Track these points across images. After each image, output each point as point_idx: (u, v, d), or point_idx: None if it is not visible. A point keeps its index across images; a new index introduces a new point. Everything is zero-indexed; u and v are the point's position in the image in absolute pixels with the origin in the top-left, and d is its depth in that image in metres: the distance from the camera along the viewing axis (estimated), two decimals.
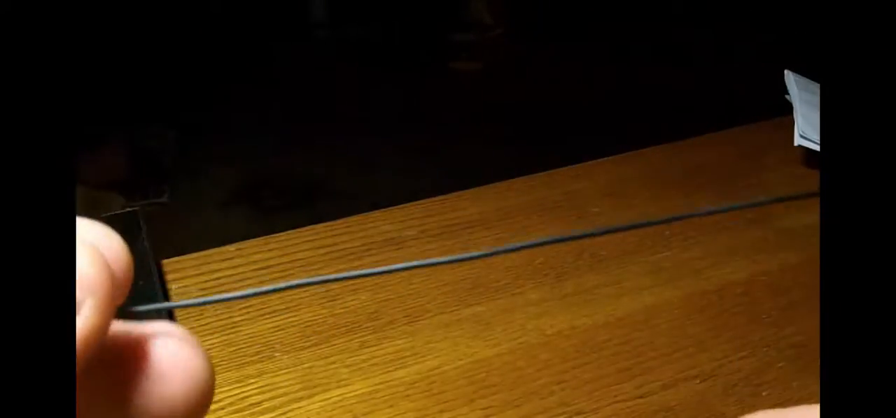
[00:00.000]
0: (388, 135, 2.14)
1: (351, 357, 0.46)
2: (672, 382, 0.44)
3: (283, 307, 0.49)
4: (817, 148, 0.63)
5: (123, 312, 0.19)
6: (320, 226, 0.56)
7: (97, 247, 0.15)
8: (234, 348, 0.46)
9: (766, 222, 0.58)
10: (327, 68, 2.57)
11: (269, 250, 0.54)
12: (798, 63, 0.73)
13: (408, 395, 0.44)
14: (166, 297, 0.49)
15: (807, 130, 0.63)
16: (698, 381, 0.44)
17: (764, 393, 0.44)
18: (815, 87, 0.71)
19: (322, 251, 0.54)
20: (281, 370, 0.45)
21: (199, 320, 0.48)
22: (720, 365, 0.45)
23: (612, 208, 0.59)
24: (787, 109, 0.68)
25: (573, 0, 2.69)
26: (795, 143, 0.63)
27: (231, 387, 0.44)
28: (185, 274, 0.51)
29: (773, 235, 0.56)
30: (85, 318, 0.14)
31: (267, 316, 0.49)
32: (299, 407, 0.43)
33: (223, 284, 0.51)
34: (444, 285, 0.51)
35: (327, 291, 0.51)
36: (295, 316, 0.49)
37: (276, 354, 0.46)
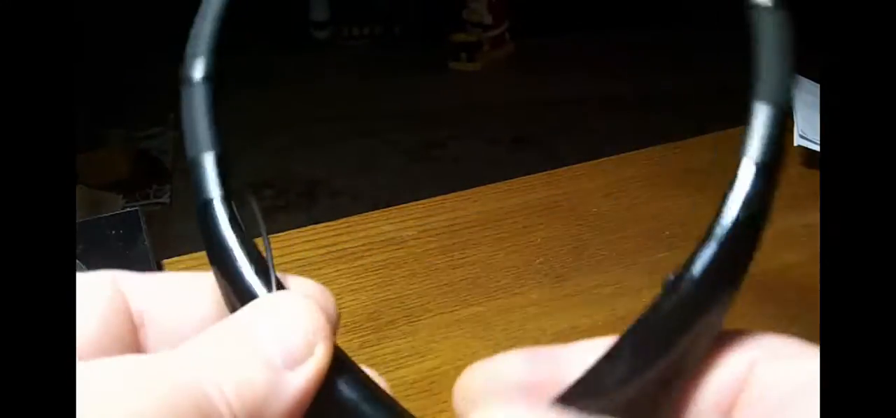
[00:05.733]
0: (388, 135, 2.14)
1: (351, 357, 0.46)
2: None
3: None
4: (817, 148, 0.63)
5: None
6: (320, 226, 0.56)
7: (318, 301, 0.19)
8: None
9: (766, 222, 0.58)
10: (327, 68, 2.57)
11: None
12: (798, 63, 0.73)
13: (408, 395, 0.44)
14: None
15: (807, 130, 0.63)
16: None
17: None
18: (815, 87, 0.71)
19: (322, 251, 0.54)
20: None
21: None
22: None
23: (612, 208, 0.59)
24: None
25: (574, 1, 2.69)
26: (795, 143, 0.63)
27: None
28: None
29: (773, 235, 0.56)
30: (318, 358, 0.18)
31: None
32: None
33: None
34: (444, 285, 0.51)
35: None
36: None
37: None
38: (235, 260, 0.19)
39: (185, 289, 0.21)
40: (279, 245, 0.54)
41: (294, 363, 0.18)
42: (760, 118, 0.16)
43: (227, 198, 0.19)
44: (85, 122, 1.97)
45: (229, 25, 0.21)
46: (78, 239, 0.50)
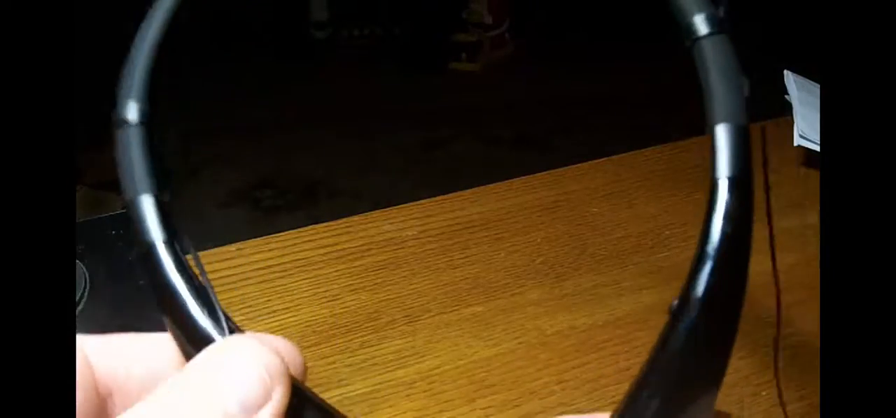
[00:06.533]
0: (388, 136, 2.14)
1: (351, 357, 0.46)
2: None
3: (283, 307, 0.49)
4: (817, 148, 0.63)
5: None
6: (320, 226, 0.56)
7: (279, 350, 0.19)
8: None
9: (766, 222, 0.58)
10: (327, 68, 2.57)
11: (270, 250, 0.54)
12: (798, 63, 0.73)
13: (408, 395, 0.44)
14: None
15: (807, 130, 0.63)
16: None
17: (763, 394, 0.44)
18: (815, 87, 0.71)
19: (322, 251, 0.54)
20: None
21: None
22: None
23: (612, 208, 0.59)
24: (787, 109, 0.67)
25: (576, 1, 2.69)
26: (795, 143, 0.63)
27: None
28: None
29: (774, 235, 0.56)
30: (276, 402, 0.18)
31: (267, 316, 0.49)
32: None
33: (223, 284, 0.51)
34: (444, 285, 0.51)
35: (327, 291, 0.51)
36: (295, 316, 0.49)
37: None
38: (185, 305, 0.19)
39: (148, 349, 0.21)
40: (279, 245, 0.54)
41: (252, 410, 0.17)
42: (722, 138, 0.17)
43: (170, 241, 0.19)
44: (85, 122, 1.96)
45: (168, 57, 0.20)
46: (78, 239, 0.50)
